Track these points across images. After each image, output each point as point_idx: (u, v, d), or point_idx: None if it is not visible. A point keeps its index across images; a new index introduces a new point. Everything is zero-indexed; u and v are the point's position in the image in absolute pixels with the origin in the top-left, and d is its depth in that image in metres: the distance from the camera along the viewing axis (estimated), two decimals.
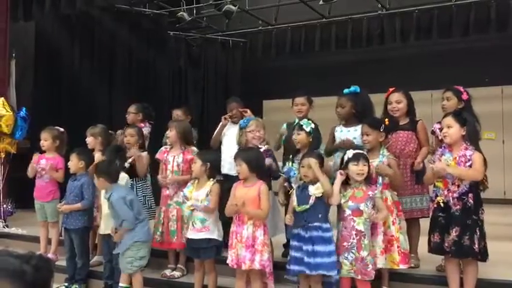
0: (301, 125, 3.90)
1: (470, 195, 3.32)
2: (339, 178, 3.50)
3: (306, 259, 3.42)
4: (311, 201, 3.46)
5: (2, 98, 6.06)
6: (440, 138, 3.67)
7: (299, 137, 3.87)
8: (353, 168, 3.48)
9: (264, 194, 3.60)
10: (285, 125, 4.57)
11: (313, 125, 3.92)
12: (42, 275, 0.93)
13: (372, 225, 3.51)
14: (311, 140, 3.87)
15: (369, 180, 3.56)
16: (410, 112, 4.15)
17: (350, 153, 3.55)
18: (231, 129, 4.76)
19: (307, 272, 3.41)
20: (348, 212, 3.46)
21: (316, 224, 3.45)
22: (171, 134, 4.45)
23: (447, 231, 3.35)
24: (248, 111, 4.72)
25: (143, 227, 4.01)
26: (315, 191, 3.47)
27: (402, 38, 8.51)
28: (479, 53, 8.14)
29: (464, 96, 3.94)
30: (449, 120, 3.42)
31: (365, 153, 3.58)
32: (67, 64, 8.22)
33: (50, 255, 4.73)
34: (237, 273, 3.67)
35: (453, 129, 3.38)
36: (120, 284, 4.02)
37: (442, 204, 3.38)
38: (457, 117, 3.42)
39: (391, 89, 4.20)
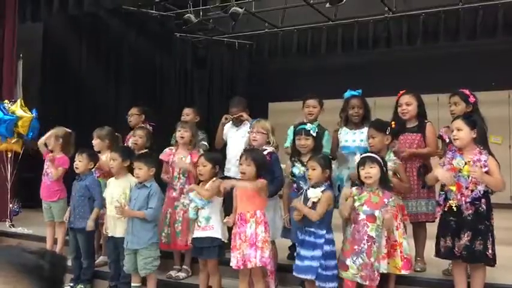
0: (308, 131, 3.85)
1: (483, 200, 3.30)
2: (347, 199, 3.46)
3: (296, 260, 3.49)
4: (309, 204, 3.45)
5: (20, 99, 6.12)
6: (447, 141, 3.65)
7: (307, 143, 3.83)
8: (361, 172, 3.45)
9: (261, 186, 3.60)
10: (291, 127, 4.53)
11: (317, 129, 3.90)
12: (58, 271, 0.93)
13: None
14: (315, 144, 3.87)
15: (386, 185, 3.46)
16: (420, 115, 4.11)
17: (357, 158, 3.51)
18: (235, 131, 4.73)
19: (294, 273, 3.49)
20: (362, 216, 3.40)
21: (311, 229, 3.44)
22: (186, 134, 4.42)
23: (458, 235, 3.32)
24: (244, 115, 4.65)
25: (157, 228, 4.12)
26: (312, 195, 3.45)
27: (409, 41, 8.50)
28: (486, 57, 8.10)
29: (471, 99, 3.91)
30: (459, 123, 3.39)
31: (373, 155, 3.49)
32: (74, 65, 8.27)
33: None
34: (241, 275, 3.67)
35: (463, 132, 3.36)
36: (133, 284, 4.06)
37: (454, 208, 3.34)
38: (467, 119, 3.40)
39: (402, 91, 4.18)
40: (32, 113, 6.05)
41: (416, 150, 3.99)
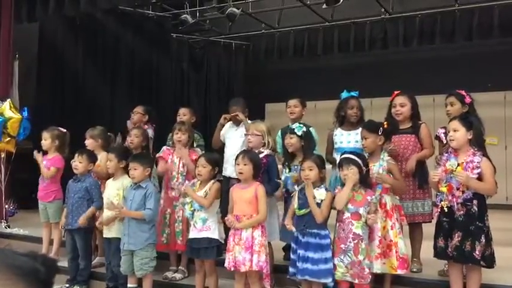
0: (293, 129, 3.90)
1: (474, 201, 3.30)
2: (349, 185, 3.44)
3: (297, 263, 3.45)
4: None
5: (9, 100, 6.08)
6: (445, 142, 3.66)
7: (291, 141, 3.89)
8: (341, 174, 3.52)
9: (261, 195, 3.60)
10: (279, 133, 4.52)
11: (304, 129, 3.91)
12: (52, 274, 0.92)
13: (369, 229, 3.50)
14: (303, 143, 3.88)
15: (367, 183, 3.52)
16: (415, 116, 4.13)
17: (338, 160, 3.57)
18: (234, 131, 4.73)
19: (299, 276, 3.44)
20: (346, 214, 3.44)
21: (314, 230, 3.44)
22: (183, 137, 4.42)
23: (450, 236, 3.34)
24: (240, 115, 4.64)
25: (155, 229, 4.11)
26: (317, 196, 3.46)
27: (405, 43, 8.52)
28: (482, 58, 8.13)
29: (467, 100, 3.92)
30: (456, 123, 3.40)
31: (350, 156, 3.52)
32: (70, 65, 8.24)
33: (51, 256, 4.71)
34: (236, 276, 3.67)
35: (459, 133, 3.36)
36: (129, 285, 4.05)
37: (445, 209, 3.37)
38: (463, 120, 3.41)
39: (396, 92, 4.20)
40: (22, 114, 6.01)
41: (416, 155, 3.98)
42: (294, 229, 3.53)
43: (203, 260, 3.90)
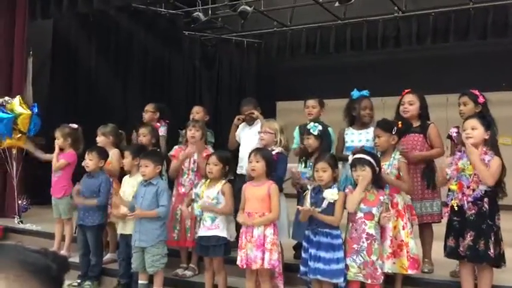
0: (309, 130, 3.90)
1: (485, 199, 3.28)
2: (361, 186, 3.42)
3: (309, 262, 3.44)
4: (324, 205, 3.44)
5: (19, 96, 6.11)
6: (456, 142, 3.63)
7: (309, 142, 3.89)
8: (353, 174, 3.50)
9: (274, 193, 3.61)
10: (297, 129, 4.53)
11: (320, 127, 3.90)
12: (63, 271, 0.93)
13: (380, 229, 3.49)
14: (320, 143, 3.87)
15: (379, 183, 3.50)
16: (423, 116, 4.10)
17: (350, 159, 3.55)
18: (248, 130, 4.77)
19: (310, 275, 3.43)
20: (359, 214, 3.43)
21: (326, 230, 3.43)
22: (197, 134, 4.43)
23: (462, 235, 3.32)
24: (255, 112, 4.69)
25: (165, 226, 4.12)
26: (330, 196, 3.44)
27: (418, 41, 8.43)
28: (496, 57, 8.03)
29: (481, 100, 3.88)
30: (475, 121, 3.36)
31: (363, 156, 3.49)
32: (83, 62, 8.31)
33: (63, 252, 4.76)
34: (247, 274, 3.68)
35: (478, 131, 3.32)
36: (140, 282, 4.07)
37: (456, 208, 3.35)
38: (482, 119, 3.37)
39: (406, 90, 4.18)
40: (32, 110, 6.04)
41: (424, 153, 3.97)
42: (309, 205, 3.46)
43: (212, 258, 3.91)
